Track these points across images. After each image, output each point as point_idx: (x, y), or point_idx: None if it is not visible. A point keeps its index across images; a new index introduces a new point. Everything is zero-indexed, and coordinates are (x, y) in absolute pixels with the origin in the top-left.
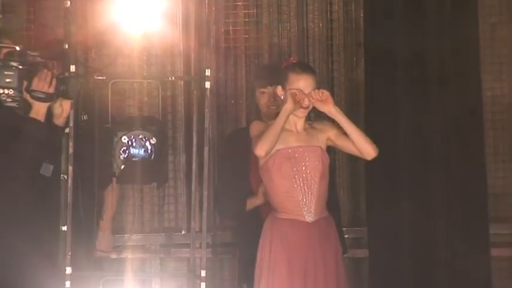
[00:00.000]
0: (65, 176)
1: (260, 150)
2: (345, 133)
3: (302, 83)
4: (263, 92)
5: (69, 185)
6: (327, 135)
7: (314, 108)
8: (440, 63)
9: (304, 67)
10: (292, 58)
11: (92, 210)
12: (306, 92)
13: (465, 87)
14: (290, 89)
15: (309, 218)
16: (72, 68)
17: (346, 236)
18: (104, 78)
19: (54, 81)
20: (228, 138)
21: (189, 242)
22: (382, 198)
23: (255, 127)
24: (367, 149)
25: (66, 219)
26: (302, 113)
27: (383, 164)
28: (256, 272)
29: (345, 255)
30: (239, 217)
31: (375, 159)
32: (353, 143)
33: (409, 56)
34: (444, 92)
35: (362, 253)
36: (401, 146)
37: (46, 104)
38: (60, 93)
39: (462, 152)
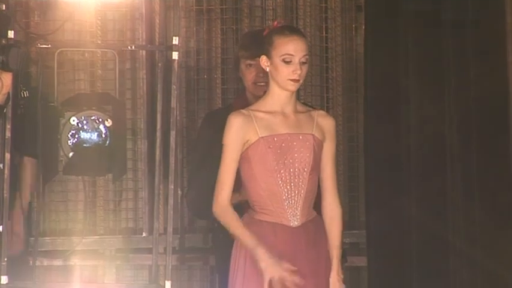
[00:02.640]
0: (1, 165)
1: (215, 213)
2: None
3: (291, 46)
4: (250, 65)
5: (5, 176)
6: (323, 138)
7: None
8: (461, 35)
9: (292, 29)
10: (276, 22)
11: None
12: (297, 58)
13: (490, 68)
14: (280, 55)
15: (294, 221)
16: (11, 34)
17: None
18: (49, 46)
19: None
20: (204, 120)
21: (151, 246)
22: (384, 196)
23: (234, 123)
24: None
25: (1, 217)
26: (291, 86)
27: (386, 160)
28: (229, 287)
29: (345, 265)
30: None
31: (376, 155)
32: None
33: (422, 24)
34: (464, 72)
35: (360, 261)
36: (407, 140)
37: None
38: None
39: (482, 143)
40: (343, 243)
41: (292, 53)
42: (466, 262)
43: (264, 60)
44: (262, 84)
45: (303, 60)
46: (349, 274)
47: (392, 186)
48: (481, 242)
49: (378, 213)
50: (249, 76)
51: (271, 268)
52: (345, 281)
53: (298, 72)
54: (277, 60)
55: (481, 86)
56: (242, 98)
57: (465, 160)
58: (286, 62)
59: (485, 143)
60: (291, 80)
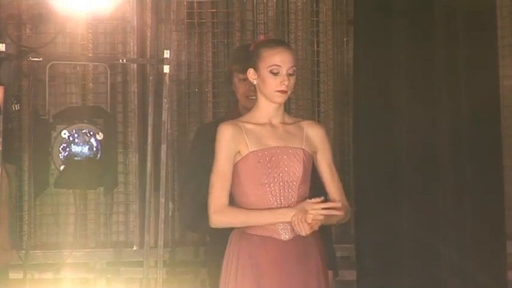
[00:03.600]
0: None
1: (214, 221)
2: (331, 168)
3: (278, 57)
4: (242, 79)
5: None
6: (315, 148)
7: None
8: (450, 47)
9: (278, 41)
10: (262, 36)
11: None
12: (284, 69)
13: (479, 78)
14: (268, 67)
15: (285, 235)
16: (2, 47)
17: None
18: (41, 59)
19: None
20: (196, 134)
21: (141, 259)
22: (374, 212)
23: (225, 133)
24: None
25: None
26: (279, 98)
27: (376, 170)
28: None
29: (336, 279)
30: (210, 230)
31: (366, 164)
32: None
33: (411, 38)
34: (454, 83)
35: (352, 275)
36: (398, 149)
37: None
38: None
39: (474, 155)
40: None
41: (279, 64)
42: (457, 273)
43: (251, 73)
44: (254, 97)
45: (290, 72)
46: None
47: (383, 198)
48: (471, 253)
49: (367, 226)
50: (241, 89)
51: (296, 215)
52: None
53: (286, 83)
54: (265, 72)
55: (472, 98)
56: (234, 111)
57: (456, 171)
58: (274, 74)
59: (476, 154)
60: (279, 91)
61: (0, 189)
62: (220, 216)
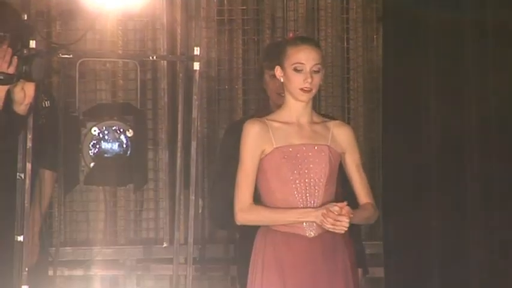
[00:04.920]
0: (22, 175)
1: (240, 218)
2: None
3: (302, 55)
4: (274, 75)
5: (26, 186)
6: (342, 149)
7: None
8: (480, 44)
9: (304, 39)
10: (291, 34)
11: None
12: (308, 67)
13: (510, 75)
14: (292, 64)
15: (311, 232)
16: (32, 43)
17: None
18: (71, 56)
19: (15, 60)
20: (228, 131)
21: (171, 256)
22: (403, 208)
23: (251, 131)
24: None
25: (22, 227)
26: (302, 96)
27: (405, 167)
28: None
29: (366, 276)
30: (239, 227)
31: (395, 162)
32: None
33: (441, 35)
34: (484, 80)
35: (381, 272)
36: (427, 146)
37: (5, 87)
38: (22, 75)
39: (503, 153)
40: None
41: (303, 61)
42: (485, 272)
43: (278, 71)
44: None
45: (315, 69)
46: (370, 285)
47: (411, 196)
48: (500, 252)
49: (396, 224)
50: (272, 86)
51: (320, 216)
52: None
53: (309, 80)
54: (289, 69)
55: (501, 96)
56: (265, 108)
57: (485, 170)
58: (298, 71)
59: (505, 153)
60: (302, 89)
61: (41, 188)
62: (245, 214)
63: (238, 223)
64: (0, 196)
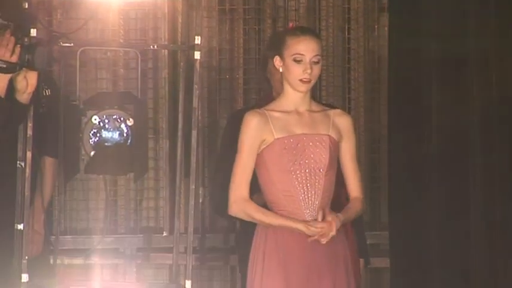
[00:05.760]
0: (22, 164)
1: (232, 210)
2: (353, 160)
3: (302, 46)
4: None
5: (27, 174)
6: (340, 137)
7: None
8: (485, 36)
9: (304, 29)
10: (291, 24)
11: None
12: (307, 58)
13: None
14: (291, 55)
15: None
16: (33, 32)
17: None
18: (72, 45)
19: (17, 49)
20: (230, 120)
21: (171, 245)
22: (408, 198)
23: (251, 122)
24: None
25: (22, 215)
26: (301, 87)
27: (410, 158)
28: (248, 282)
29: (368, 266)
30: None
31: (400, 153)
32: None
33: (447, 26)
34: (487, 72)
35: (382, 262)
36: (431, 142)
37: (7, 76)
38: (25, 63)
39: (506, 146)
40: (360, 245)
41: (302, 52)
42: (488, 263)
43: (277, 61)
44: None
45: (314, 60)
46: (371, 275)
47: (416, 187)
48: (502, 244)
49: (401, 215)
50: (277, 76)
51: (307, 227)
52: (366, 282)
53: (309, 71)
54: (289, 60)
55: (504, 89)
56: (268, 98)
57: (487, 162)
58: (297, 62)
59: (507, 146)
60: (301, 80)
61: (43, 176)
62: (237, 208)
63: (231, 214)
64: (2, 185)
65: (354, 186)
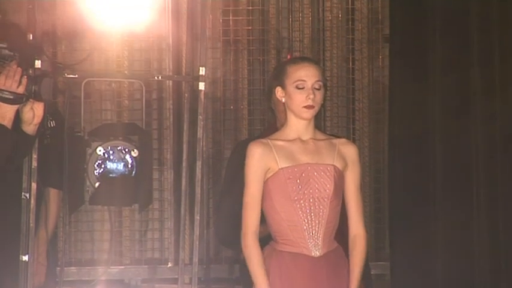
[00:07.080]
0: (27, 195)
1: (243, 242)
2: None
3: (303, 72)
4: None
5: (32, 205)
6: (345, 167)
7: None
8: (487, 66)
9: (303, 57)
10: (289, 55)
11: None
12: (309, 83)
13: None
14: (293, 82)
15: (316, 251)
16: (38, 63)
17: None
18: (76, 76)
19: (24, 80)
20: (235, 150)
21: (176, 276)
22: (410, 230)
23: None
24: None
25: (27, 247)
26: (306, 113)
27: (412, 188)
28: None
29: None
30: None
31: (401, 182)
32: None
33: (447, 55)
34: (491, 101)
35: None
36: (433, 172)
37: (14, 107)
38: (32, 95)
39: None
40: (365, 274)
41: (304, 78)
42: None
43: (279, 92)
44: None
45: (316, 86)
46: None
47: (418, 216)
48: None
49: (402, 245)
50: (280, 106)
51: None
52: None
53: (311, 97)
54: (291, 88)
55: (507, 117)
56: (272, 128)
57: (491, 191)
58: (299, 89)
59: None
60: (305, 107)
61: (47, 208)
62: (244, 243)
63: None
64: (7, 216)
65: (355, 221)
